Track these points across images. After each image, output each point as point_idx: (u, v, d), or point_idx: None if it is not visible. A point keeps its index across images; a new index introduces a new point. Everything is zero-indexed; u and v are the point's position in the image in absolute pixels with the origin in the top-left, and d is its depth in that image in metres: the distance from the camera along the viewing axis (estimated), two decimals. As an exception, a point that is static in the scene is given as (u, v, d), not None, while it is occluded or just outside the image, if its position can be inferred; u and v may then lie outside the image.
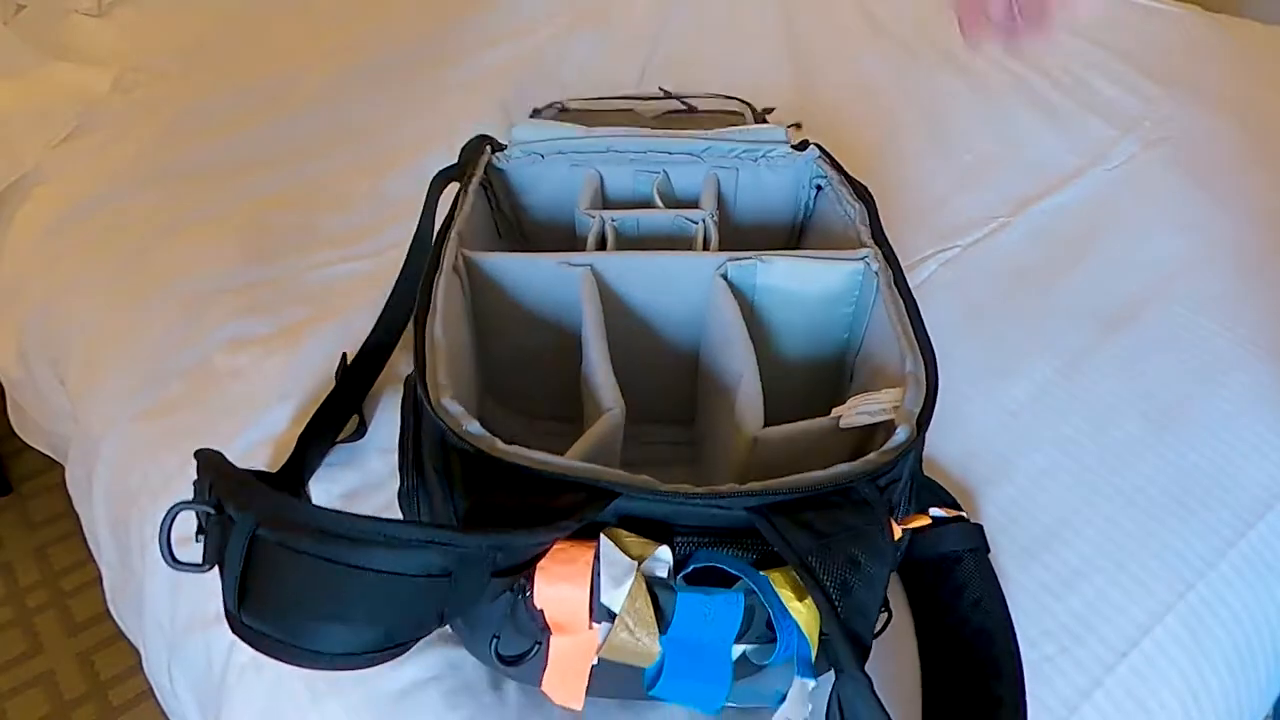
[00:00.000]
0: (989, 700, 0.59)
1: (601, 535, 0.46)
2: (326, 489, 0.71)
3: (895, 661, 0.61)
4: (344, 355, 0.78)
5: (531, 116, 0.95)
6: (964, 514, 0.62)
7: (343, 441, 0.73)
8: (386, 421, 0.75)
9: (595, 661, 0.47)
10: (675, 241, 0.75)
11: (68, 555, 1.42)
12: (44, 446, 1.05)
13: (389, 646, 0.43)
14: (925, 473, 0.69)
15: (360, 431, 0.74)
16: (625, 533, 0.47)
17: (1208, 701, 0.63)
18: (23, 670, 1.29)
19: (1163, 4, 1.38)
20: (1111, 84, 1.19)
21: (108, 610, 0.88)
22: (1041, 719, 0.59)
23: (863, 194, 0.74)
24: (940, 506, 0.68)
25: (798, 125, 0.92)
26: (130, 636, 0.86)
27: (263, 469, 0.71)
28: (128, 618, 0.85)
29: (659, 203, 0.78)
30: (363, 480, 0.71)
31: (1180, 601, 0.65)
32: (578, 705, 0.48)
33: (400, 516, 0.61)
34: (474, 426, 0.51)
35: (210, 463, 0.50)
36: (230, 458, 0.71)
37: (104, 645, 1.31)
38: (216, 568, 0.44)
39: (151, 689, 0.79)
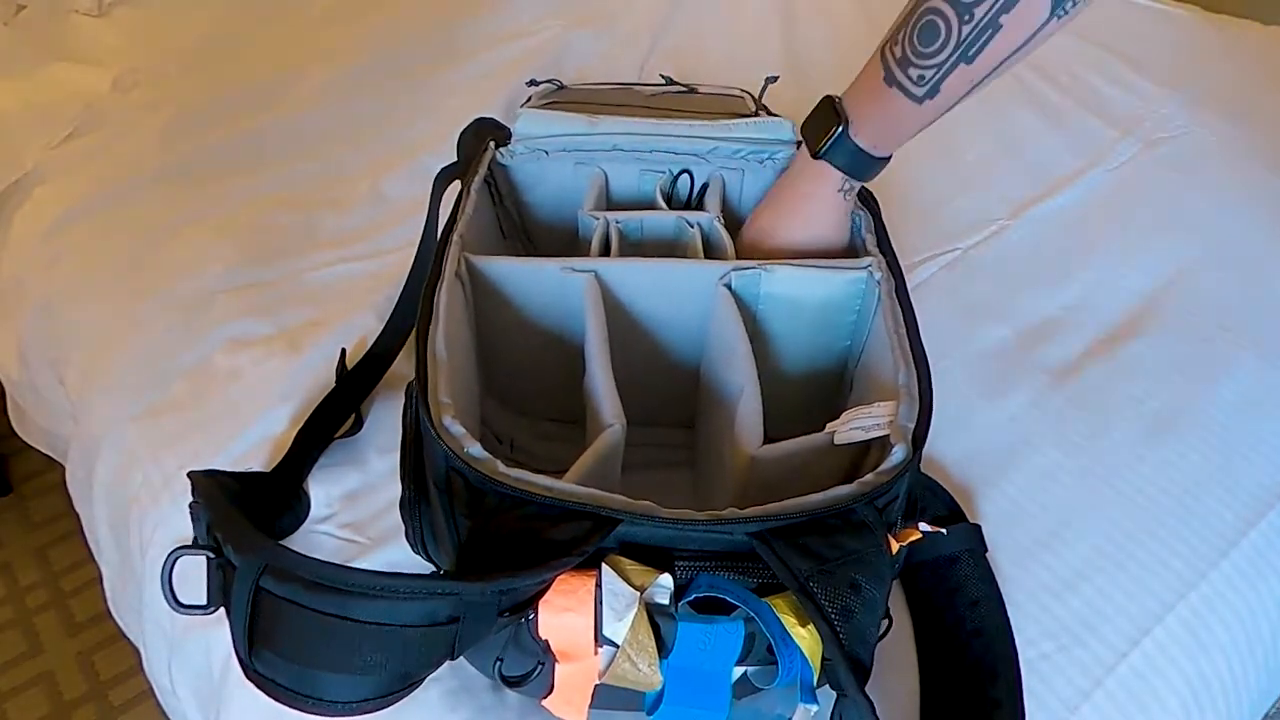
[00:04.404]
0: (986, 701, 0.59)
1: (603, 565, 0.46)
2: (327, 490, 0.71)
3: (893, 663, 0.61)
4: (343, 350, 0.78)
5: (528, 84, 0.94)
6: (944, 531, 0.61)
7: (340, 437, 0.73)
8: (386, 419, 0.75)
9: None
10: (679, 244, 0.75)
11: (68, 555, 1.42)
12: (44, 446, 1.05)
13: (402, 688, 0.43)
14: (926, 472, 0.69)
15: (357, 427, 0.74)
16: (627, 561, 0.47)
17: (1208, 701, 0.63)
18: (23, 670, 1.29)
19: (1163, 4, 1.38)
20: (1111, 84, 1.19)
21: (108, 610, 0.88)
22: (1041, 719, 0.59)
23: (867, 200, 0.74)
24: (941, 508, 0.69)
25: (775, 78, 0.90)
26: (130, 636, 0.86)
27: (261, 469, 0.71)
28: (128, 618, 0.85)
29: (662, 204, 0.78)
30: (363, 480, 0.71)
31: (1180, 601, 0.65)
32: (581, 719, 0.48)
33: (403, 528, 0.61)
34: (475, 449, 0.50)
35: (204, 493, 0.49)
36: (230, 458, 0.73)
37: (104, 645, 1.31)
38: (222, 609, 0.44)
39: (151, 689, 0.79)
